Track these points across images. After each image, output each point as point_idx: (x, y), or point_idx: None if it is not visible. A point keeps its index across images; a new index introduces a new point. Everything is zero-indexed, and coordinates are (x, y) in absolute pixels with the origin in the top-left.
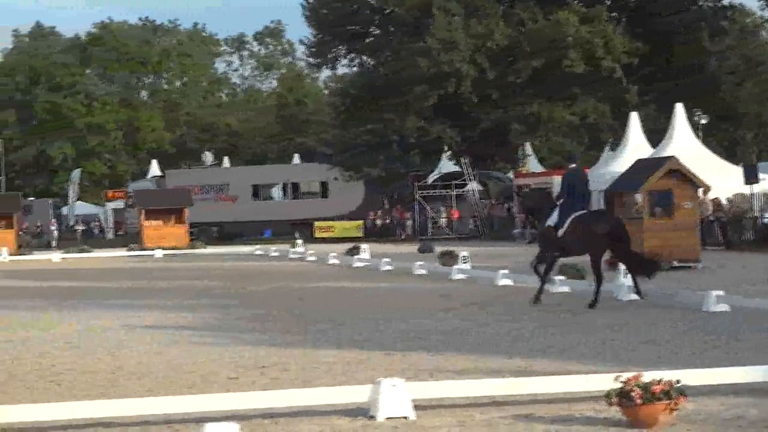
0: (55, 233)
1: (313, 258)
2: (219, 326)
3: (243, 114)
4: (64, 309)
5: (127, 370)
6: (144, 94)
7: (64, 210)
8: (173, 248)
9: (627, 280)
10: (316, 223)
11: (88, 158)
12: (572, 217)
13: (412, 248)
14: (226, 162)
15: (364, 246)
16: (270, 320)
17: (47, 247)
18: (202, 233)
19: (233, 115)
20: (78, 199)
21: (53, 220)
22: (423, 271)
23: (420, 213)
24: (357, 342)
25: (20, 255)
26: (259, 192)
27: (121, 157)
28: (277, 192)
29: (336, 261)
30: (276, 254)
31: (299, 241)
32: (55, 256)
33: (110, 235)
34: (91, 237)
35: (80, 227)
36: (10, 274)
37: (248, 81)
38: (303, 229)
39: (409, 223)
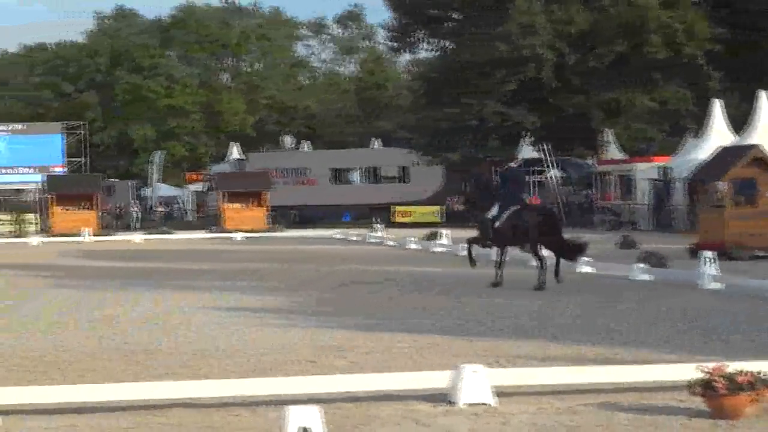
0: (137, 214)
1: (392, 243)
2: (298, 309)
3: (323, 97)
4: (146, 289)
5: (206, 352)
6: (225, 76)
7: (146, 191)
8: (252, 231)
9: (709, 269)
10: (395, 208)
11: (169, 140)
12: (509, 211)
13: None
14: (305, 146)
15: (443, 231)
16: (347, 303)
17: (128, 228)
18: (282, 217)
19: (313, 99)
20: (159, 181)
21: (135, 202)
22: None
23: None
24: (438, 327)
25: (102, 236)
26: (338, 176)
27: (201, 139)
28: (356, 176)
29: (415, 246)
30: (355, 238)
31: (378, 226)
32: (137, 237)
33: (191, 217)
34: (171, 219)
35: (161, 209)
36: (93, 255)
37: (328, 65)
38: (382, 213)
39: None
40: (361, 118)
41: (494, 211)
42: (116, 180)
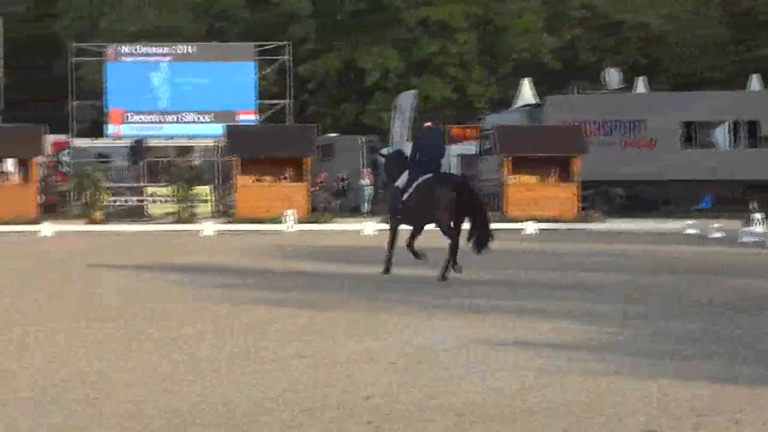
0: (369, 190)
1: None
2: (631, 347)
3: (669, 11)
4: (410, 308)
5: (520, 406)
6: None
7: (384, 153)
8: (553, 220)
9: None
10: None
11: (422, 74)
12: (419, 180)
13: None
14: (640, 85)
15: None
16: (717, 343)
17: (355, 211)
18: (600, 198)
19: (653, 12)
20: (407, 139)
21: (367, 170)
22: None
23: None
24: None
25: (312, 222)
26: (692, 134)
27: (474, 73)
28: (722, 135)
29: None
30: (719, 235)
31: (758, 216)
32: (368, 227)
33: None
34: None
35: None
36: (306, 254)
37: None
38: (762, 195)
39: None
40: (731, 45)
41: (403, 179)
42: (337, 135)
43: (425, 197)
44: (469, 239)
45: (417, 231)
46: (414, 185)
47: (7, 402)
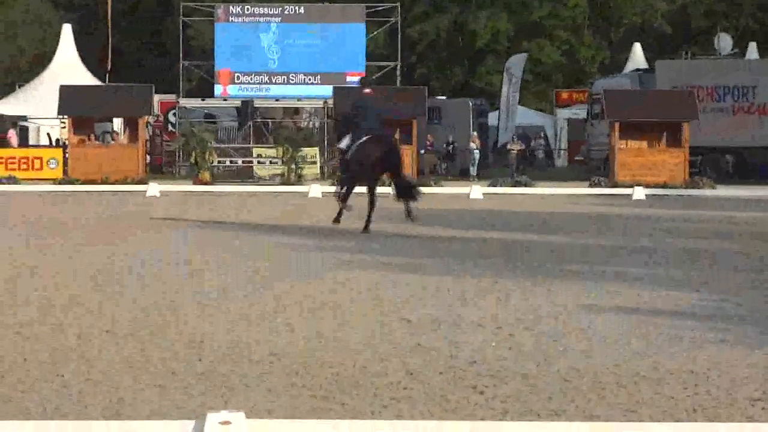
0: (477, 154)
1: None
2: (739, 316)
3: None
4: (502, 278)
5: (627, 374)
6: None
7: (492, 118)
8: (662, 186)
9: None
10: None
11: (533, 37)
12: (359, 142)
13: None
14: (752, 51)
15: None
16: None
17: (463, 174)
18: (709, 165)
19: None
20: (516, 103)
21: (475, 135)
22: None
23: None
24: None
25: (420, 186)
26: None
27: (583, 36)
28: None
29: None
30: None
31: None
32: (476, 191)
33: (561, 160)
34: (530, 163)
35: (516, 146)
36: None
37: None
38: None
39: None
40: None
41: (346, 141)
42: (444, 98)
43: (362, 155)
44: (395, 195)
45: (350, 186)
46: (355, 146)
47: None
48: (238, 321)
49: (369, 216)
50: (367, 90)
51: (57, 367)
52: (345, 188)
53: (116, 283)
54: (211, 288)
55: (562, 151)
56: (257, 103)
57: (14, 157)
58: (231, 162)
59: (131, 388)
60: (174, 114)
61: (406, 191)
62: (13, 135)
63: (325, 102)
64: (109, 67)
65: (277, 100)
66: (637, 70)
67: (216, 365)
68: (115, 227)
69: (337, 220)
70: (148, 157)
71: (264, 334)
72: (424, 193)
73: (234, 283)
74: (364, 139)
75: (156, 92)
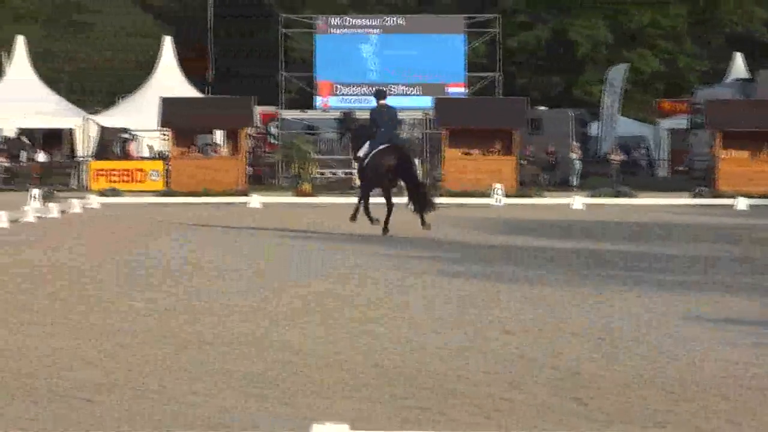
0: (578, 165)
1: None
2: None
3: None
4: (602, 288)
5: (732, 383)
6: None
7: (593, 128)
8: (766, 196)
9: None
10: None
11: (634, 47)
12: (375, 150)
13: None
14: None
15: None
16: None
17: (564, 185)
18: None
19: None
20: (617, 113)
21: (576, 145)
22: None
23: None
24: None
25: (519, 197)
26: None
27: (685, 45)
28: None
29: None
30: None
31: None
32: (577, 201)
33: (662, 170)
34: (632, 173)
35: (617, 157)
36: (515, 228)
37: None
38: None
39: None
40: None
41: (365, 149)
42: (545, 109)
43: (378, 163)
44: (408, 203)
45: (367, 193)
46: (371, 154)
47: None
48: (336, 331)
49: (387, 219)
50: (382, 101)
51: (160, 379)
52: (362, 196)
53: (216, 292)
54: (310, 297)
55: (664, 161)
56: (358, 114)
57: (116, 170)
58: (332, 173)
59: (234, 400)
60: (275, 125)
61: (420, 201)
62: (133, 148)
63: (426, 113)
64: (210, 79)
65: None
66: (739, 79)
67: (316, 375)
68: (223, 239)
69: (353, 217)
70: (249, 168)
71: (362, 344)
72: (440, 205)
73: (330, 292)
74: (380, 148)
75: (257, 103)
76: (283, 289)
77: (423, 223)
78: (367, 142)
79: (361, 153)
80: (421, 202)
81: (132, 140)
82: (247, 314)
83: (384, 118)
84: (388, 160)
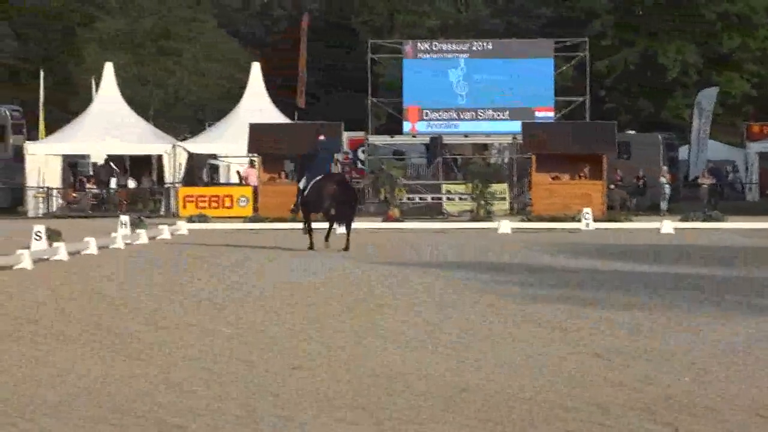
0: (668, 189)
1: None
2: None
3: None
4: (690, 312)
5: None
6: None
7: (683, 152)
8: None
9: None
10: None
11: (723, 70)
12: (314, 181)
13: None
14: None
15: None
16: None
17: (653, 209)
18: None
19: None
20: (706, 136)
21: (665, 169)
22: None
23: None
24: None
25: (610, 221)
26: None
27: None
28: None
29: None
30: None
31: None
32: (667, 226)
33: (753, 194)
34: (721, 196)
35: (707, 180)
36: (605, 253)
37: None
38: None
39: None
40: None
41: (303, 182)
42: (634, 132)
43: (317, 193)
44: (331, 218)
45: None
46: (311, 184)
47: None
48: (426, 353)
49: (347, 238)
50: (321, 137)
51: (249, 402)
52: (306, 222)
53: (303, 318)
54: (397, 322)
55: (754, 185)
56: (446, 140)
57: (205, 196)
58: (420, 198)
59: (323, 425)
60: (363, 151)
61: (342, 216)
62: (251, 173)
63: (514, 137)
64: (302, 105)
65: (466, 135)
66: None
67: (405, 399)
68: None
69: (311, 246)
70: None
71: (451, 367)
72: (353, 230)
73: (419, 317)
74: (319, 177)
75: (345, 129)
76: (380, 315)
77: (347, 248)
78: (305, 176)
79: (300, 185)
80: (341, 218)
81: (251, 166)
82: (335, 339)
83: (322, 152)
84: (328, 187)
